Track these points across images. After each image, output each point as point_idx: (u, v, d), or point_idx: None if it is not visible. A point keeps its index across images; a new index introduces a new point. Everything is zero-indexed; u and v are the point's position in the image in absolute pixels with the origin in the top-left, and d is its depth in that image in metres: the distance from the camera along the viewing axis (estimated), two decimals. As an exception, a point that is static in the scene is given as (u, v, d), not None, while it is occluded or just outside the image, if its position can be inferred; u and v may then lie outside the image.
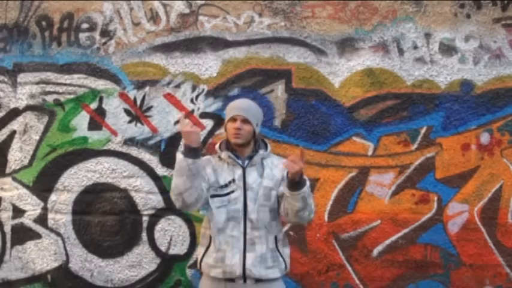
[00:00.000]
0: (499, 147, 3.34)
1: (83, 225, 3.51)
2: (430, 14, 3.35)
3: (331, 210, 3.39)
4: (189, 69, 3.44)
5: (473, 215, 3.35)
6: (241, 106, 2.42)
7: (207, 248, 2.39)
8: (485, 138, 3.34)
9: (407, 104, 3.36)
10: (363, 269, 3.39)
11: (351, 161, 3.38)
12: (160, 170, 3.46)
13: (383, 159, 3.38)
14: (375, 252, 3.39)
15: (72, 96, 3.50)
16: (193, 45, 3.44)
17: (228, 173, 2.39)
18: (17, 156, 3.53)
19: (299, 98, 3.39)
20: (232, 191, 2.35)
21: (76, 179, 3.50)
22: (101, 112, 3.49)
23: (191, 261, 3.44)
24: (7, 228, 3.54)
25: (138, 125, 3.48)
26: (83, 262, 3.52)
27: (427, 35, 3.35)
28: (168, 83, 3.46)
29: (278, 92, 3.41)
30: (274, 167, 2.42)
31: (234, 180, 2.36)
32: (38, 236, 3.53)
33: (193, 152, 2.18)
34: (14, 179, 3.53)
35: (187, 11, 3.44)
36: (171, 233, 3.46)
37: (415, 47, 3.36)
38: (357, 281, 3.40)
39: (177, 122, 3.38)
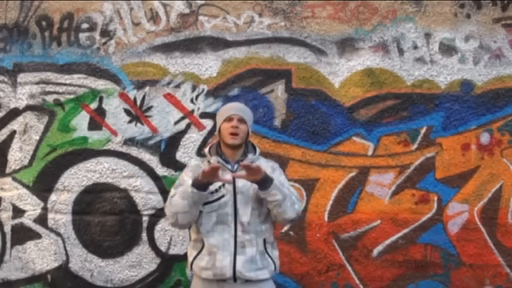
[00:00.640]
0: (499, 147, 3.34)
1: (83, 225, 3.50)
2: (430, 14, 3.35)
3: (331, 210, 3.39)
4: (189, 69, 3.44)
5: (473, 215, 3.35)
6: (237, 107, 2.47)
7: (199, 251, 2.40)
8: (485, 138, 3.34)
9: (407, 104, 3.36)
10: (363, 269, 3.39)
11: (351, 161, 3.38)
12: (160, 170, 3.46)
13: (383, 159, 3.38)
14: (375, 252, 3.39)
15: (72, 96, 3.49)
16: (193, 45, 3.44)
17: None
18: (17, 156, 3.53)
19: (299, 98, 3.39)
20: (223, 196, 2.36)
21: (76, 179, 3.50)
22: (101, 112, 3.49)
23: (191, 261, 3.45)
24: (7, 228, 3.54)
25: (138, 125, 3.48)
26: (83, 262, 3.51)
27: (427, 35, 3.35)
28: (168, 83, 3.46)
29: (278, 92, 3.41)
30: None
31: (223, 185, 2.36)
32: (38, 236, 3.52)
33: (202, 186, 2.23)
34: (14, 179, 3.53)
35: (187, 11, 3.44)
36: (171, 233, 3.46)
37: (415, 47, 3.36)
38: (357, 281, 3.40)
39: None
